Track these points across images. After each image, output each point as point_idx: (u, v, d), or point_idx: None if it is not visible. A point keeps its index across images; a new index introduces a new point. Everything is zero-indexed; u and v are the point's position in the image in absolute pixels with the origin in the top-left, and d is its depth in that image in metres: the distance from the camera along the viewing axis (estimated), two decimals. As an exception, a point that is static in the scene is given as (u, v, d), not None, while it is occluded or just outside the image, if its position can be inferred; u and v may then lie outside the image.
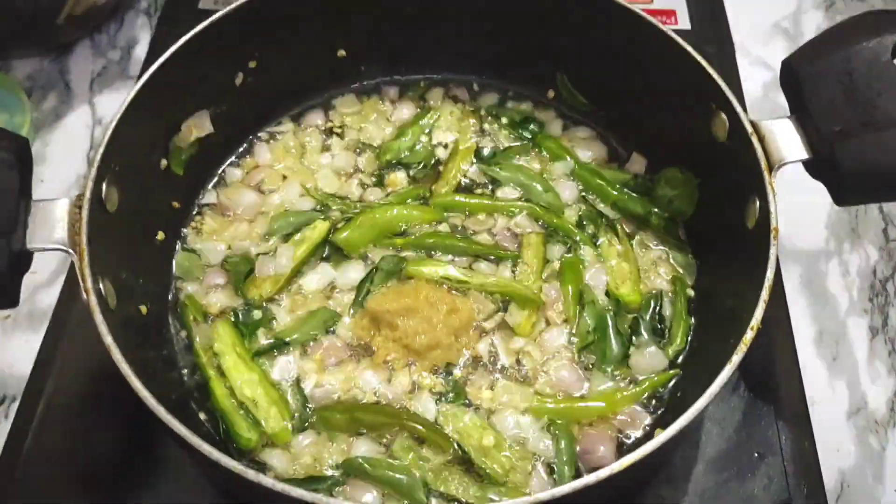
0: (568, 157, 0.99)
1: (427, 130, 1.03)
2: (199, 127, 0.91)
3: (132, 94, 0.79)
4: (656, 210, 0.93)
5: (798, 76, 0.74)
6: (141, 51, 1.27)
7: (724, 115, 0.80)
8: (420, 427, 0.79)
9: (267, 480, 0.60)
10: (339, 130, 1.04)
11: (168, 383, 0.82)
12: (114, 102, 1.21)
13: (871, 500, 0.88)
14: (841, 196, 0.73)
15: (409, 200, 0.96)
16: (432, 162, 1.01)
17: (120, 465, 0.84)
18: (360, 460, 0.77)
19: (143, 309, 0.82)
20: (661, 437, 0.62)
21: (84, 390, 0.88)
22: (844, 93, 0.71)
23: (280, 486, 0.60)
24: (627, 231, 0.94)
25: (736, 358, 0.64)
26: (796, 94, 0.75)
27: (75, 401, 0.88)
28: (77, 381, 0.89)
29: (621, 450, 0.79)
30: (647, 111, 0.93)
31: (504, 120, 1.04)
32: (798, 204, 0.90)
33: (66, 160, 1.14)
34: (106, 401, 0.85)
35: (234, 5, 0.86)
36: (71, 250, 0.69)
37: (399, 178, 0.99)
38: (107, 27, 1.30)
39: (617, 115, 1.00)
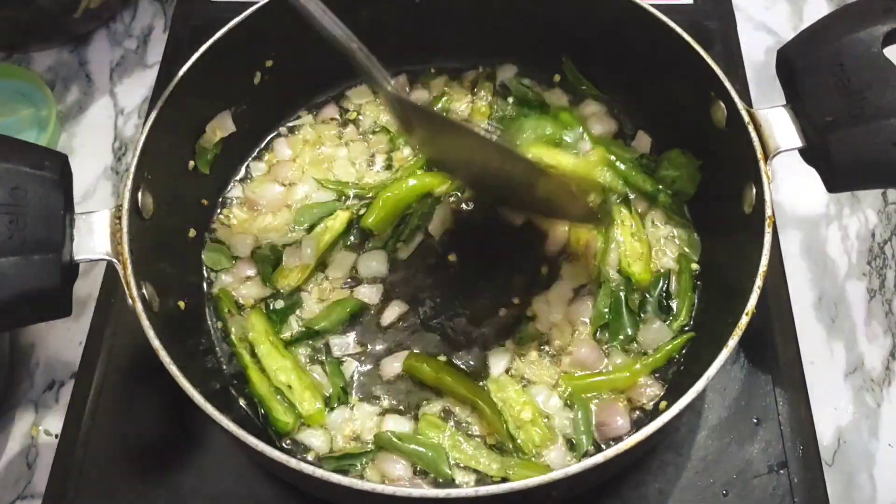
0: (580, 128, 1.03)
1: None
2: (221, 127, 0.95)
3: (158, 105, 0.83)
4: (662, 188, 0.97)
5: (792, 67, 0.77)
6: (156, 38, 1.31)
7: (722, 104, 0.83)
8: (487, 409, 0.84)
9: (307, 467, 0.66)
10: (354, 120, 1.08)
11: (208, 372, 0.89)
12: (134, 91, 1.24)
13: (867, 455, 0.93)
14: (832, 184, 0.76)
15: (418, 171, 1.01)
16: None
17: (168, 446, 0.90)
18: (390, 434, 0.84)
19: (182, 305, 0.88)
20: (665, 415, 0.68)
21: (131, 375, 0.94)
22: (836, 84, 0.74)
23: (319, 473, 0.66)
24: (639, 210, 0.98)
25: (732, 342, 0.70)
26: (791, 84, 0.78)
27: (123, 385, 0.94)
28: (124, 367, 0.94)
29: (634, 420, 0.85)
30: (650, 96, 0.96)
31: (510, 99, 1.07)
32: (798, 170, 0.93)
33: (92, 151, 1.19)
34: (152, 385, 0.91)
35: (249, 11, 0.90)
36: (115, 259, 0.74)
37: (405, 154, 1.04)
38: (121, 16, 1.33)
39: (622, 99, 1.04)
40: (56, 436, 0.94)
